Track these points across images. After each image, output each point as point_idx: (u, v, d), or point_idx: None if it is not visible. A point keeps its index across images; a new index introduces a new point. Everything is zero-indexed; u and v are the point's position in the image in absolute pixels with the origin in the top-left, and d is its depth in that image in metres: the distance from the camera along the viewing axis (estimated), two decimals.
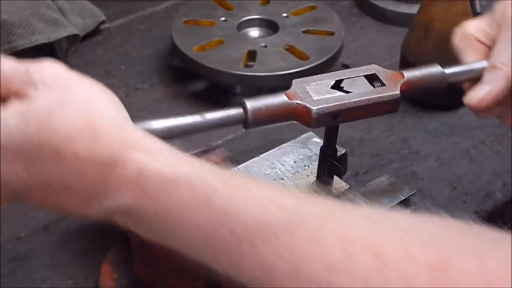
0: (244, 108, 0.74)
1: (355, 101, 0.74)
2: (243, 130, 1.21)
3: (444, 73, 0.84)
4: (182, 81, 1.28)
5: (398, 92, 0.75)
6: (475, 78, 0.85)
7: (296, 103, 0.75)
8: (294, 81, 0.77)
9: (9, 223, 1.04)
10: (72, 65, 1.32)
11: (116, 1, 1.44)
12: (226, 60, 1.21)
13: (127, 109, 1.26)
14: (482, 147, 1.17)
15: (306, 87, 0.76)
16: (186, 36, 1.28)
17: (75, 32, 1.28)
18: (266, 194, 0.60)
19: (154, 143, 0.64)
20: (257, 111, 0.75)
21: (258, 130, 1.22)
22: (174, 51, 1.27)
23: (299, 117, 0.75)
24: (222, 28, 1.30)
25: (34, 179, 0.63)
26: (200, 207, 0.60)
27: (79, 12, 1.34)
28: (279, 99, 0.75)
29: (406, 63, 1.22)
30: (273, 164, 0.85)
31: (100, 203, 0.63)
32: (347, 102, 0.74)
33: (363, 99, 0.74)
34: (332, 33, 1.29)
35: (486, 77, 0.83)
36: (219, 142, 1.18)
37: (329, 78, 0.76)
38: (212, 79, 1.25)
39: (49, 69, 0.65)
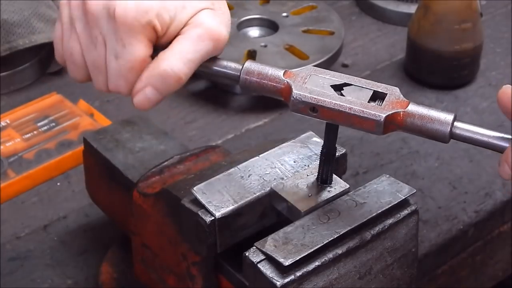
0: (242, 66, 0.76)
1: (334, 103, 0.74)
2: (243, 130, 1.22)
3: (451, 124, 0.76)
4: None
5: (381, 115, 0.73)
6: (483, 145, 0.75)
7: (287, 81, 0.75)
8: (308, 66, 0.78)
9: (9, 223, 1.05)
10: None
11: None
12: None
13: (127, 109, 1.26)
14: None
15: (311, 75, 0.76)
16: None
17: None
18: None
19: None
20: (250, 72, 0.77)
21: (258, 130, 1.23)
22: None
23: (284, 96, 0.76)
24: None
25: None
26: None
27: None
28: (274, 72, 0.77)
29: (409, 40, 1.26)
30: (273, 163, 0.85)
31: None
32: (326, 100, 0.74)
33: (344, 105, 0.73)
34: (332, 33, 1.29)
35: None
36: (219, 142, 1.18)
37: (340, 79, 0.76)
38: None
39: None
